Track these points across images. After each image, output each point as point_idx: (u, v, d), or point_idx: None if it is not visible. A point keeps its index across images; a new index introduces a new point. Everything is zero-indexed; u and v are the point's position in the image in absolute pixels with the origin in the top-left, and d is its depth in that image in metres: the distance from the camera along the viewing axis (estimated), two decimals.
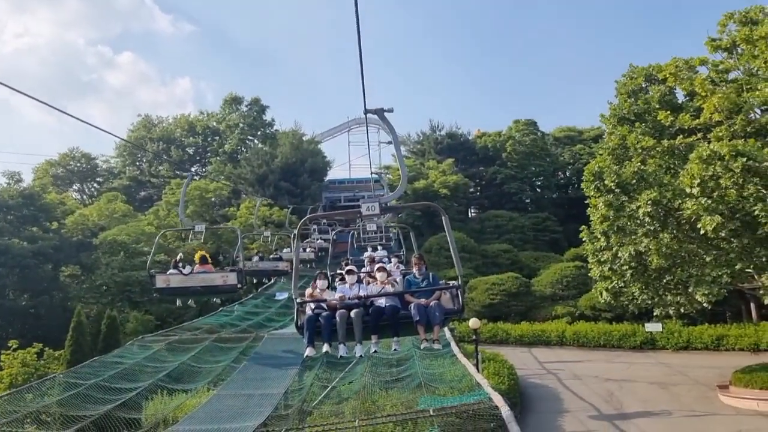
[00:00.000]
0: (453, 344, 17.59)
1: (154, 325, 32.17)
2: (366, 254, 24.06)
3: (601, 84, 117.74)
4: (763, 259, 18.80)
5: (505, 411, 8.95)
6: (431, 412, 11.85)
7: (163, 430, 12.26)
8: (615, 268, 22.32)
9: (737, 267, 19.62)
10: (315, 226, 42.19)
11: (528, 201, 58.29)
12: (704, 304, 20.72)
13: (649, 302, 22.83)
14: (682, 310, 22.54)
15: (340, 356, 9.10)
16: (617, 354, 30.35)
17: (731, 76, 23.44)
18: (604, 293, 23.36)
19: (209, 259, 19.52)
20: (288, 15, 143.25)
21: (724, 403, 21.27)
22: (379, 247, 27.41)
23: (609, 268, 22.58)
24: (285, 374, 16.12)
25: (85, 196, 67.16)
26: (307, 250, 37.11)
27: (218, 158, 65.23)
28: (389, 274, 10.44)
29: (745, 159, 17.67)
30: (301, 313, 9.10)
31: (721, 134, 20.77)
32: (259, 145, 65.30)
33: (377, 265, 10.58)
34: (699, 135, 22.40)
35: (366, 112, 9.78)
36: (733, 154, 17.83)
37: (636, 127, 23.83)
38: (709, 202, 18.20)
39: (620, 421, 19.59)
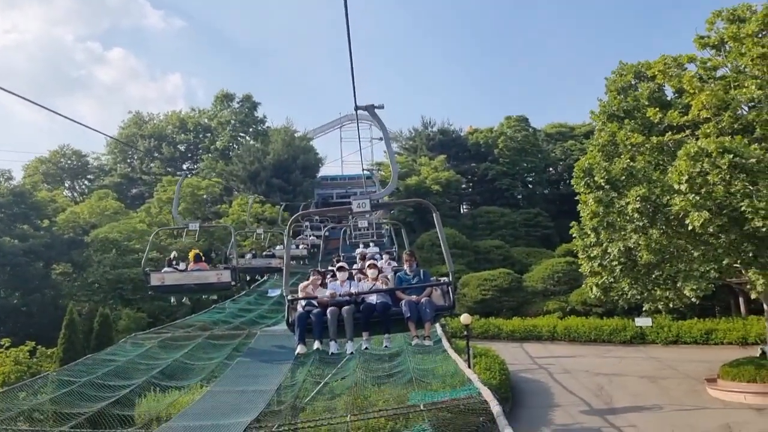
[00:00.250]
0: (444, 340, 17.76)
1: (147, 322, 32.15)
2: (358, 251, 24.21)
3: (593, 80, 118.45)
4: (750, 254, 19.04)
5: (494, 405, 9.09)
6: (422, 407, 11.98)
7: (156, 427, 12.32)
8: (605, 263, 22.55)
9: (725, 262, 19.89)
10: (307, 223, 42.31)
11: (520, 197, 58.56)
12: (692, 299, 20.96)
13: (639, 297, 23.06)
14: (671, 305, 22.76)
15: (331, 353, 9.12)
16: (608, 348, 30.60)
17: (719, 73, 23.71)
18: (594, 288, 23.59)
19: (203, 257, 19.68)
20: (280, 11, 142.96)
21: (712, 396, 21.58)
22: (371, 244, 27.52)
23: (599, 264, 22.81)
24: (278, 370, 16.22)
25: (76, 194, 66.82)
26: (300, 246, 37.25)
27: (210, 155, 65.04)
28: (381, 271, 10.52)
29: (731, 156, 17.92)
30: (292, 310, 9.11)
31: (708, 131, 21.04)
32: (251, 142, 65.17)
33: (368, 262, 10.56)
34: (687, 132, 22.65)
35: (356, 108, 9.77)
36: (720, 151, 18.08)
37: (625, 124, 24.03)
38: (697, 198, 18.43)
39: (610, 414, 19.84)
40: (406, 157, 59.65)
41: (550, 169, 61.31)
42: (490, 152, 60.62)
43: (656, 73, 24.43)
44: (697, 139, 20.78)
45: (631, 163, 21.41)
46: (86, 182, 69.22)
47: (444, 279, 9.46)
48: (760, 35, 21.58)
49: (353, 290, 9.27)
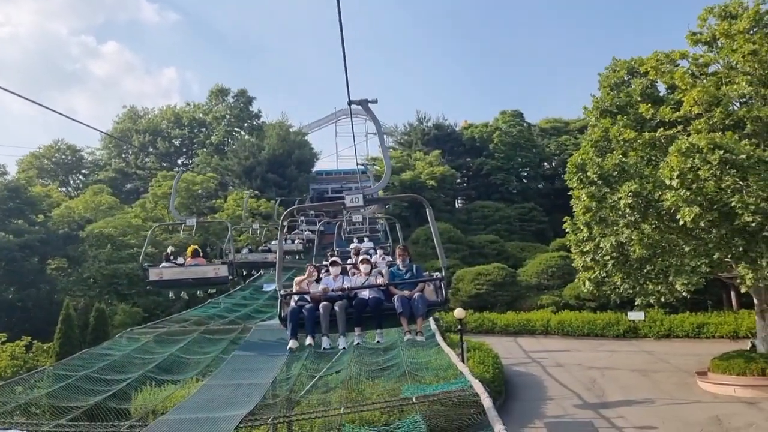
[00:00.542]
0: (438, 335, 17.93)
1: (142, 317, 32.25)
2: (352, 246, 24.29)
3: (588, 75, 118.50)
4: (740, 249, 19.22)
5: (484, 398, 9.24)
6: (414, 400, 12.15)
7: (153, 420, 12.46)
8: (597, 258, 22.75)
9: (715, 257, 20.09)
10: (302, 218, 42.40)
11: (514, 192, 58.69)
12: (684, 294, 21.17)
13: (631, 291, 23.24)
14: (662, 299, 22.95)
15: (323, 348, 9.12)
16: (601, 342, 30.86)
17: (711, 69, 23.87)
18: (587, 283, 23.78)
19: (201, 252, 19.88)
20: (275, 4, 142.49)
21: (702, 389, 21.80)
22: (365, 239, 27.59)
23: (591, 259, 23.01)
24: (273, 364, 16.34)
25: (70, 189, 66.71)
26: (296, 241, 37.37)
27: (205, 150, 65.00)
28: (375, 266, 10.60)
29: (722, 152, 18.08)
30: (285, 304, 9.12)
31: (700, 127, 21.21)
32: (246, 137, 65.17)
33: (361, 257, 10.55)
34: (679, 127, 22.82)
35: (350, 103, 9.81)
36: (711, 147, 18.24)
37: (618, 120, 24.20)
38: (688, 193, 18.58)
39: (601, 407, 20.06)
40: (401, 152, 59.68)
41: (545, 163, 61.49)
42: (485, 147, 60.74)
43: (649, 69, 24.57)
44: (689, 135, 20.95)
45: (624, 159, 21.55)
46: (81, 177, 69.08)
47: (436, 274, 9.45)
48: (751, 32, 21.77)
49: (346, 285, 9.25)
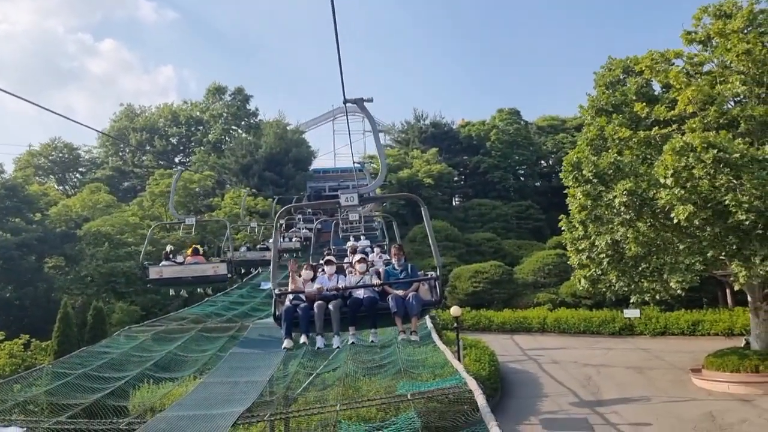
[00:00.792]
0: (434, 333, 18.05)
1: (140, 315, 32.34)
2: (349, 244, 24.39)
3: (585, 74, 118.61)
4: (734, 247, 19.34)
5: (478, 395, 9.36)
6: (408, 397, 12.28)
7: (151, 417, 12.57)
8: (592, 256, 22.85)
9: (709, 254, 20.19)
10: (300, 216, 42.52)
11: (511, 189, 58.75)
12: (678, 291, 21.29)
13: (626, 289, 23.34)
14: (657, 297, 23.07)
15: (317, 347, 9.09)
16: (597, 340, 30.99)
17: (705, 68, 23.99)
18: (583, 281, 23.89)
19: (201, 251, 20.11)
20: (273, 2, 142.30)
21: (696, 386, 21.97)
22: (362, 237, 27.66)
23: (587, 257, 23.11)
24: (270, 362, 16.45)
25: (67, 187, 66.72)
26: (293, 239, 37.47)
27: (202, 148, 65.06)
28: (372, 264, 10.64)
29: (716, 150, 18.20)
30: (280, 303, 9.13)
31: (694, 126, 21.32)
32: (243, 135, 65.22)
33: (357, 256, 10.53)
34: (674, 126, 22.94)
35: (345, 101, 9.76)
36: (705, 146, 18.35)
37: (613, 119, 24.30)
38: (682, 192, 18.70)
39: (596, 404, 20.22)
40: (399, 150, 59.71)
41: (542, 161, 61.53)
42: (482, 145, 60.84)
43: (644, 68, 24.70)
44: (683, 133, 21.06)
45: (619, 157, 21.65)
46: (78, 175, 69.09)
47: (431, 274, 9.43)
48: (745, 31, 21.89)
49: (341, 284, 9.24)
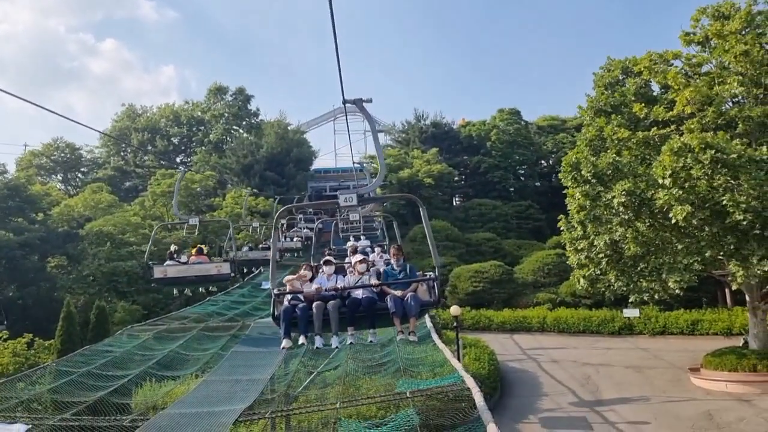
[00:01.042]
0: (433, 332, 18.18)
1: (142, 314, 32.47)
2: (349, 244, 24.54)
3: (585, 74, 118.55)
4: (732, 247, 19.47)
5: (475, 393, 9.49)
6: (407, 394, 12.43)
7: (154, 414, 12.73)
8: (591, 256, 22.99)
9: (707, 254, 20.33)
10: (301, 216, 42.72)
11: (511, 189, 58.88)
12: (677, 291, 21.42)
13: (625, 289, 23.47)
14: (656, 297, 23.21)
15: (316, 347, 9.13)
16: (596, 339, 31.10)
17: (704, 69, 24.11)
18: (582, 280, 24.03)
19: (204, 251, 20.34)
20: (274, 2, 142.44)
21: (695, 385, 22.10)
22: (362, 237, 27.79)
23: (586, 256, 23.25)
24: (271, 361, 16.60)
25: (69, 187, 66.95)
26: (294, 239, 37.67)
27: (203, 148, 65.24)
28: (373, 264, 10.73)
29: (714, 151, 18.33)
30: (278, 303, 9.15)
31: (692, 126, 21.45)
32: (245, 135, 65.40)
33: (357, 256, 10.52)
34: (672, 127, 23.08)
35: (344, 102, 9.81)
36: (703, 146, 18.48)
37: (612, 119, 24.42)
38: (681, 192, 18.83)
39: (595, 403, 20.36)
40: (399, 149, 59.79)
41: (542, 161, 61.57)
42: (482, 145, 60.93)
43: (642, 69, 24.83)
44: (682, 134, 21.20)
45: (618, 158, 21.80)
46: (80, 175, 69.31)
47: (430, 274, 9.46)
48: (743, 32, 22.02)
49: (339, 285, 9.25)
